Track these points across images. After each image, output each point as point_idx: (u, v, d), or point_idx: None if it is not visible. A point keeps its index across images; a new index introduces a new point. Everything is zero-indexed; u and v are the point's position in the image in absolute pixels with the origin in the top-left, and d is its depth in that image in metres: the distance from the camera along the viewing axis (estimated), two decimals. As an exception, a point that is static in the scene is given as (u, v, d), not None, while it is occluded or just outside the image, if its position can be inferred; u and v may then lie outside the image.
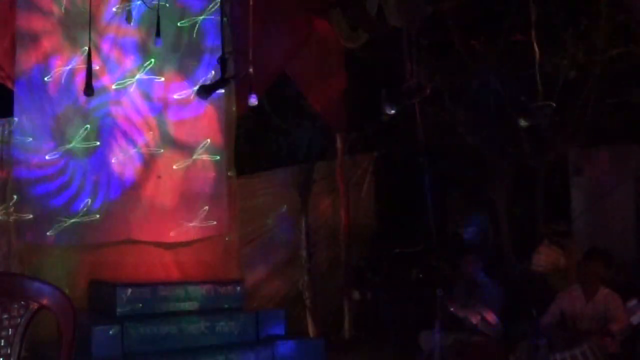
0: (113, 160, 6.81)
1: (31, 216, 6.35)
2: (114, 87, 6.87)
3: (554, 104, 5.47)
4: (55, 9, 6.66)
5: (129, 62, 6.99)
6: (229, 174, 7.37)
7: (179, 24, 7.14)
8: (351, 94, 8.23)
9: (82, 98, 6.41)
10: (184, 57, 7.20)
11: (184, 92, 7.15)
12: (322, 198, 8.66)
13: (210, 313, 6.24)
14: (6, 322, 2.41)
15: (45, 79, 6.54)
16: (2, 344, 2.40)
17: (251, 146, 8.96)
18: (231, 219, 7.31)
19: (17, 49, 6.42)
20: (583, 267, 5.77)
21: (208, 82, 6.77)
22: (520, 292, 6.81)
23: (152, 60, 6.99)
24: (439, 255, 7.63)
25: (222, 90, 6.76)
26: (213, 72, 7.01)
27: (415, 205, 8.61)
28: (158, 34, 5.90)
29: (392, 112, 5.95)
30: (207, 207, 7.13)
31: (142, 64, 6.99)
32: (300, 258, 8.23)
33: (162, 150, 7.05)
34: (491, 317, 5.69)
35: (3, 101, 6.55)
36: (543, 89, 5.50)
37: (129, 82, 6.94)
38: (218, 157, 7.26)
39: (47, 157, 6.51)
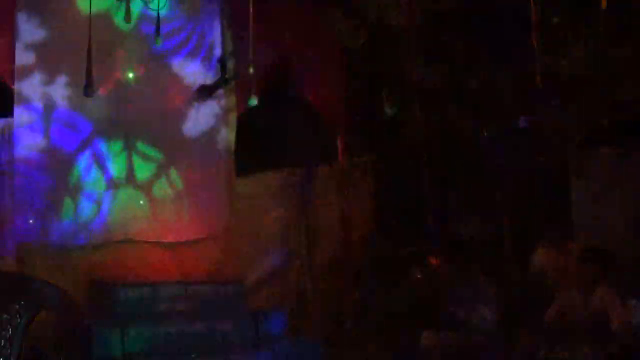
0: (113, 160, 6.81)
1: (31, 215, 6.35)
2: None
3: (555, 104, 5.48)
4: None
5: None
6: (228, 173, 7.37)
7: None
8: (351, 94, 8.22)
9: None
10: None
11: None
12: (322, 198, 8.64)
13: (210, 313, 6.24)
14: (6, 322, 2.41)
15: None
16: (2, 344, 2.40)
17: (251, 146, 8.95)
18: (231, 219, 7.30)
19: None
20: (582, 266, 5.77)
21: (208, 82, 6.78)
22: (520, 292, 6.80)
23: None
24: (439, 255, 7.63)
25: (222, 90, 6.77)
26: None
27: (415, 205, 8.61)
28: (158, 33, 5.90)
29: (392, 112, 5.96)
30: (207, 207, 7.13)
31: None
32: (300, 258, 8.22)
33: (162, 151, 7.05)
34: (490, 317, 5.69)
35: (3, 101, 6.54)
36: (543, 89, 5.49)
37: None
38: (218, 157, 7.25)
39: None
